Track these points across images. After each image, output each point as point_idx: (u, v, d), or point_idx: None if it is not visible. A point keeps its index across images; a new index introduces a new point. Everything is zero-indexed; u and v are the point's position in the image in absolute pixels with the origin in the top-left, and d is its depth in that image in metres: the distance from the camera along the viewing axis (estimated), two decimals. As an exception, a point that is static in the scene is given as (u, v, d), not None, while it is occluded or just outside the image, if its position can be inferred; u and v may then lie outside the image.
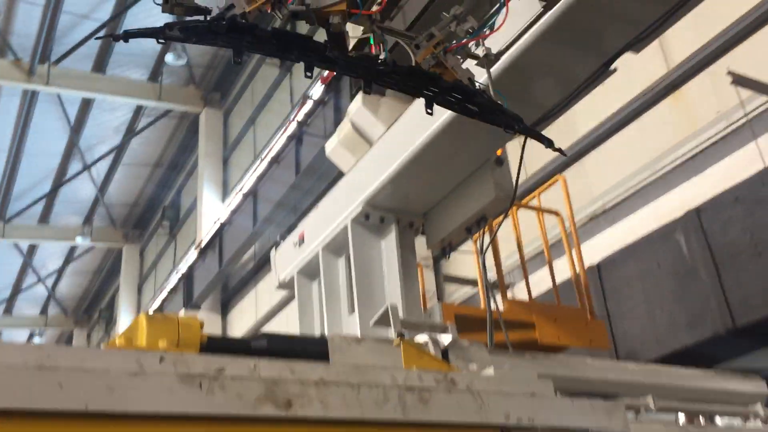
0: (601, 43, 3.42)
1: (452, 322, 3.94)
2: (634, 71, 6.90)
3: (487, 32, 3.07)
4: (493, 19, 3.11)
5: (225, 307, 17.39)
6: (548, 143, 3.11)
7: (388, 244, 4.56)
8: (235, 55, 2.47)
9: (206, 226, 16.86)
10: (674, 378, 3.89)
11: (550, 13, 3.18)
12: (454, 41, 2.82)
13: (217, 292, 17.17)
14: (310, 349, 3.04)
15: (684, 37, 6.50)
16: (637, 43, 3.43)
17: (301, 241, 5.10)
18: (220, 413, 2.51)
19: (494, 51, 3.22)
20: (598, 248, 7.04)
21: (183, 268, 17.96)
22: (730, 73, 5.25)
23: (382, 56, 2.76)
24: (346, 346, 3.31)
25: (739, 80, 5.32)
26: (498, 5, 3.12)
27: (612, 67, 3.69)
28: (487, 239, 4.44)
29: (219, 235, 15.87)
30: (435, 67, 2.76)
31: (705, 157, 6.33)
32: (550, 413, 3.05)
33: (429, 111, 2.83)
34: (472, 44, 3.09)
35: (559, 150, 3.16)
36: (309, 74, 2.66)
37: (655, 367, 4.17)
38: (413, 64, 2.75)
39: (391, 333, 3.47)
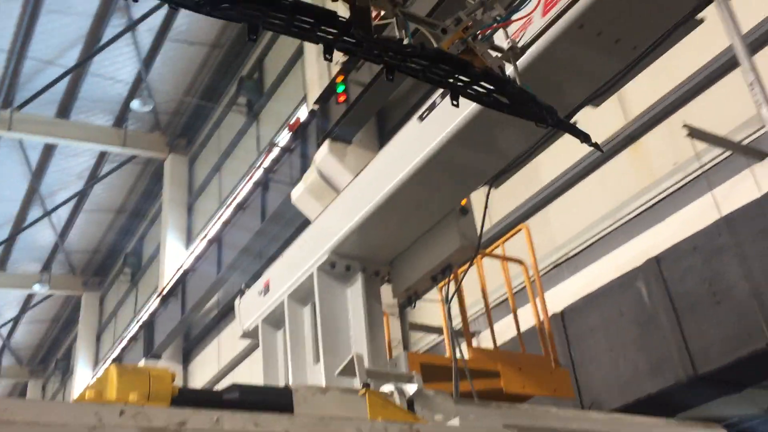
0: (562, 97, 3.52)
1: (418, 372, 3.93)
2: (594, 123, 7.09)
3: (517, 18, 2.89)
4: (522, 7, 2.99)
5: (187, 357, 17.04)
6: (584, 138, 2.96)
7: (354, 293, 4.55)
8: (250, 31, 2.23)
9: (169, 273, 16.63)
10: (636, 428, 3.92)
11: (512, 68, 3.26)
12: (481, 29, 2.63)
13: (178, 340, 16.85)
14: (281, 401, 3.00)
15: (641, 91, 6.72)
16: (596, 98, 3.53)
17: (266, 289, 5.06)
18: (181, 468, 2.46)
19: (519, 44, 3.01)
20: (561, 295, 7.11)
21: (144, 316, 17.62)
22: (685, 126, 5.42)
23: (405, 41, 2.52)
24: (311, 397, 3.28)
25: (695, 133, 5.49)
26: None
27: (571, 120, 3.79)
28: (452, 288, 4.47)
29: (182, 282, 15.65)
30: (463, 54, 2.56)
31: (663, 206, 6.48)
32: (516, 464, 3.06)
33: (455, 103, 2.60)
34: (496, 36, 2.93)
35: (595, 145, 3.02)
36: (328, 57, 2.37)
37: (618, 417, 4.20)
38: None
39: (357, 383, 3.44)
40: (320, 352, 4.32)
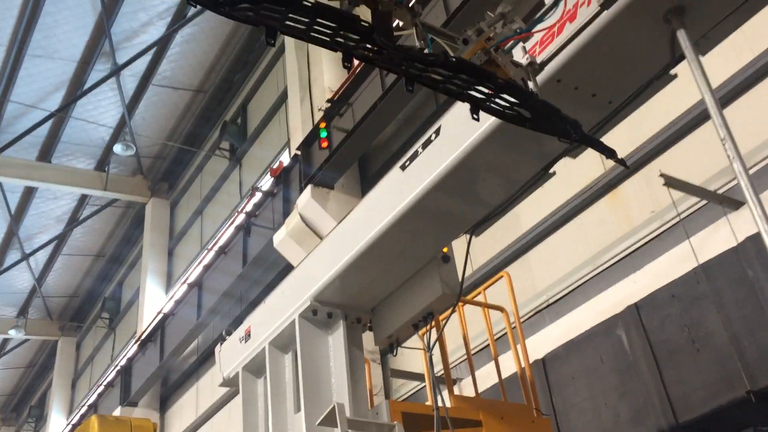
0: (541, 148, 3.60)
1: (399, 421, 3.91)
2: (574, 171, 7.21)
3: (538, 30, 2.86)
4: (545, 18, 2.96)
5: (164, 404, 16.73)
6: (609, 153, 2.92)
7: (336, 340, 4.54)
8: (268, 35, 2.11)
9: (148, 317, 16.43)
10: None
11: (495, 117, 3.33)
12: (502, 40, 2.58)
13: (156, 387, 16.56)
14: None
15: (619, 140, 6.85)
16: (574, 149, 3.61)
17: (248, 336, 5.03)
18: None
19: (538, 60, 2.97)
20: (543, 342, 7.12)
21: (121, 361, 17.33)
22: (662, 175, 5.52)
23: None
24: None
25: (671, 182, 5.59)
26: (553, 1, 2.95)
27: (551, 170, 3.86)
28: (434, 335, 4.47)
29: (161, 326, 15.46)
30: (485, 65, 2.49)
31: (642, 253, 6.55)
32: None
33: (475, 116, 2.52)
34: (516, 51, 2.91)
35: (621, 161, 2.97)
36: (348, 64, 2.28)
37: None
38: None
39: (338, 433, 3.42)
40: (301, 400, 4.29)
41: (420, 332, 4.63)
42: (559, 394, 6.69)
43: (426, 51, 2.43)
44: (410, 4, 2.51)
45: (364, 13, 2.34)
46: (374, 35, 2.17)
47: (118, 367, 17.43)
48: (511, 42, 2.75)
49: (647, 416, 5.72)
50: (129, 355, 16.95)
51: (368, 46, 2.23)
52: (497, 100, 2.50)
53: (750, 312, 5.21)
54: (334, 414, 3.56)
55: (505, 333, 5.85)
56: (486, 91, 2.48)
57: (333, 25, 2.13)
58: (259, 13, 2.06)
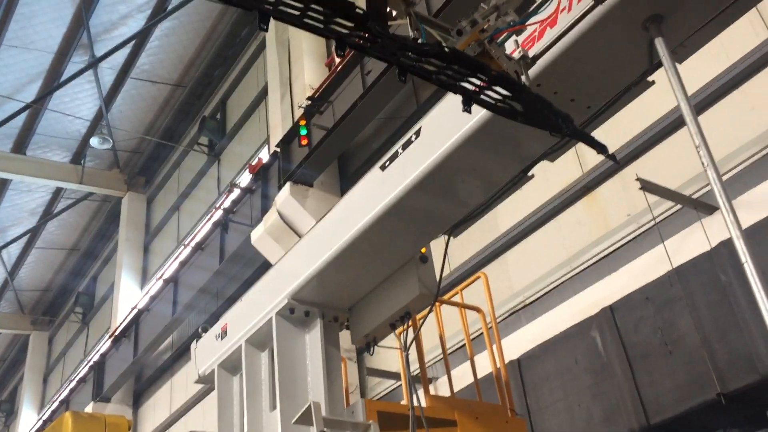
0: (520, 150, 3.63)
1: (375, 420, 3.92)
2: (552, 174, 7.27)
3: (532, 23, 2.86)
4: (540, 11, 2.96)
5: (137, 400, 16.59)
6: (600, 148, 2.92)
7: (313, 339, 4.54)
8: (261, 20, 2.10)
9: (122, 313, 16.28)
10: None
11: (475, 119, 3.35)
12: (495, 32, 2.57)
13: (130, 383, 16.42)
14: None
15: (596, 144, 6.92)
16: (552, 153, 3.65)
17: (224, 333, 5.02)
18: None
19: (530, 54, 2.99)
20: (518, 342, 7.17)
21: (95, 356, 17.16)
22: (638, 179, 5.59)
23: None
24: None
25: (647, 186, 5.66)
26: None
27: (530, 172, 3.90)
28: (410, 335, 4.49)
29: (135, 322, 15.33)
30: (478, 56, 2.47)
31: (617, 256, 6.63)
32: None
33: (467, 109, 2.50)
34: (508, 44, 2.91)
35: (611, 157, 3.00)
36: (341, 52, 2.26)
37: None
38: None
39: (313, 431, 3.42)
40: (277, 399, 4.28)
41: (397, 331, 4.65)
42: (534, 395, 6.74)
43: (419, 41, 2.41)
44: None
45: (359, 1, 2.34)
46: (369, 22, 2.14)
47: (91, 363, 17.26)
48: (504, 35, 2.75)
49: (619, 417, 5.79)
50: (102, 350, 16.80)
51: (361, 34, 2.20)
52: (489, 93, 2.49)
53: (721, 315, 5.29)
54: (310, 412, 3.56)
55: (482, 333, 5.89)
56: (478, 83, 2.46)
57: (327, 11, 2.10)
58: None
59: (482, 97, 2.51)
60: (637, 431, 5.62)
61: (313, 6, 2.08)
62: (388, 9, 2.43)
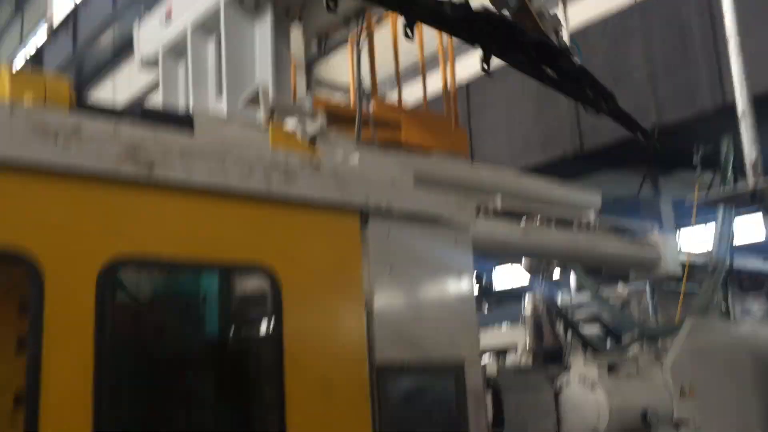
0: None
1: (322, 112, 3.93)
2: None
3: None
4: None
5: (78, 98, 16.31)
6: (642, 133, 2.81)
7: (262, 30, 4.37)
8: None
9: (59, 5, 15.36)
10: (521, 184, 4.18)
11: None
12: None
13: (69, 78, 16.01)
14: (182, 124, 2.95)
15: None
16: None
17: (168, 16, 4.77)
18: (77, 167, 2.43)
19: None
20: (470, 69, 7.14)
21: (31, 50, 16.51)
22: None
23: None
24: (212, 125, 3.24)
25: None
26: None
27: None
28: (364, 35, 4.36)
29: (74, 15, 14.55)
30: (517, 13, 2.39)
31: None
32: (406, 200, 3.22)
33: (485, 67, 2.39)
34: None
35: (654, 144, 2.86)
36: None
37: (505, 173, 4.44)
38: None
39: (260, 115, 3.42)
40: (223, 84, 4.21)
41: (350, 37, 4.49)
42: (477, 118, 6.89)
43: None
44: None
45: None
46: None
47: (28, 56, 16.65)
48: None
49: (557, 142, 6.02)
50: (39, 43, 16.12)
51: None
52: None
53: (672, 51, 5.30)
54: (258, 94, 3.51)
55: (437, 56, 5.77)
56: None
57: None
58: None
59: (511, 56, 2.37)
60: (569, 156, 5.89)
61: None
62: None
